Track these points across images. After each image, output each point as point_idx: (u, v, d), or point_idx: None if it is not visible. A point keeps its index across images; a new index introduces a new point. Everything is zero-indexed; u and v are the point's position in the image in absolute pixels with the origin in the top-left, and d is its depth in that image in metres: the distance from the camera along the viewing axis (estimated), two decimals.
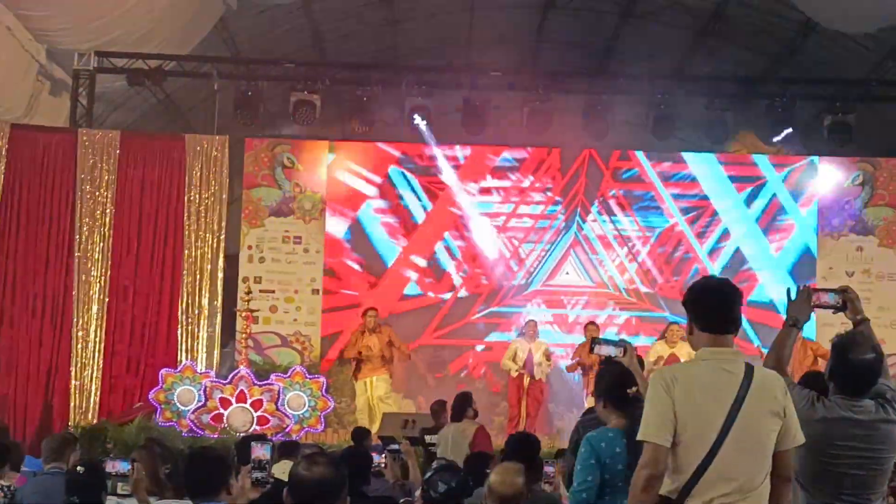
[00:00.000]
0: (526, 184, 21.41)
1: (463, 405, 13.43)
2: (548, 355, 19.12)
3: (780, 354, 5.95)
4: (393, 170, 21.27)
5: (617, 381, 6.76)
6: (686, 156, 21.53)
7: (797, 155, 21.40)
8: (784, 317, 6.09)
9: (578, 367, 18.99)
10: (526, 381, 18.89)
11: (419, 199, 21.29)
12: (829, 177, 21.10)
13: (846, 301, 6.13)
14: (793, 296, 6.07)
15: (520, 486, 6.27)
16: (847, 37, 21.19)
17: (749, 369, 5.22)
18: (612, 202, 21.37)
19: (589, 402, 17.68)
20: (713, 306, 5.34)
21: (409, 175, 21.29)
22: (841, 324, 6.42)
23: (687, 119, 20.71)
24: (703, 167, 21.43)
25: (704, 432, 5.10)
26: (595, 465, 6.48)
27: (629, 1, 23.20)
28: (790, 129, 20.32)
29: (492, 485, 6.30)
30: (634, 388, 6.69)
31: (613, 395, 6.73)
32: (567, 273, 21.41)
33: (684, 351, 17.39)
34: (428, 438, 13.70)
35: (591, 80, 21.47)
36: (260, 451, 5.92)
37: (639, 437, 5.18)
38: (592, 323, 19.36)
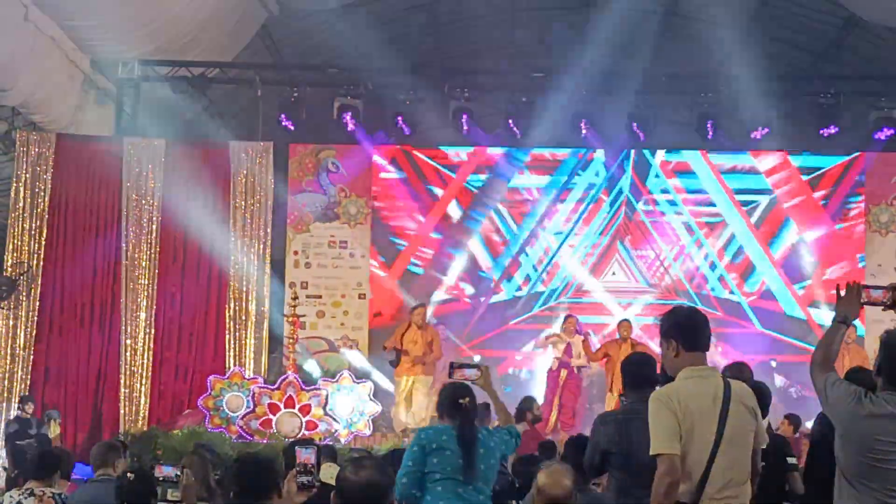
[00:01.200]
0: (571, 185, 21.32)
1: (522, 409, 13.44)
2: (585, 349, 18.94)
3: (827, 350, 5.93)
4: (436, 172, 21.26)
5: (451, 395, 7.57)
6: (728, 154, 21.36)
7: (842, 151, 21.21)
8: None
9: (604, 359, 18.69)
10: (563, 374, 18.69)
11: (465, 201, 21.27)
12: (875, 172, 20.93)
13: None
14: (842, 292, 6.02)
15: (569, 487, 6.24)
16: (892, 31, 20.99)
17: (726, 380, 5.89)
18: (654, 202, 21.25)
19: (608, 399, 17.96)
20: (697, 329, 5.98)
21: (453, 177, 21.26)
22: (891, 320, 6.33)
23: (731, 117, 20.57)
24: (746, 165, 21.30)
25: (703, 438, 5.66)
26: (418, 452, 7.29)
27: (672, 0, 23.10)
28: (835, 126, 20.15)
29: (541, 486, 6.27)
30: (466, 399, 7.47)
31: (447, 406, 7.55)
32: (614, 273, 21.28)
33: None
34: None
35: (634, 79, 21.36)
36: (305, 455, 5.92)
37: (652, 452, 5.63)
38: (626, 320, 18.77)
